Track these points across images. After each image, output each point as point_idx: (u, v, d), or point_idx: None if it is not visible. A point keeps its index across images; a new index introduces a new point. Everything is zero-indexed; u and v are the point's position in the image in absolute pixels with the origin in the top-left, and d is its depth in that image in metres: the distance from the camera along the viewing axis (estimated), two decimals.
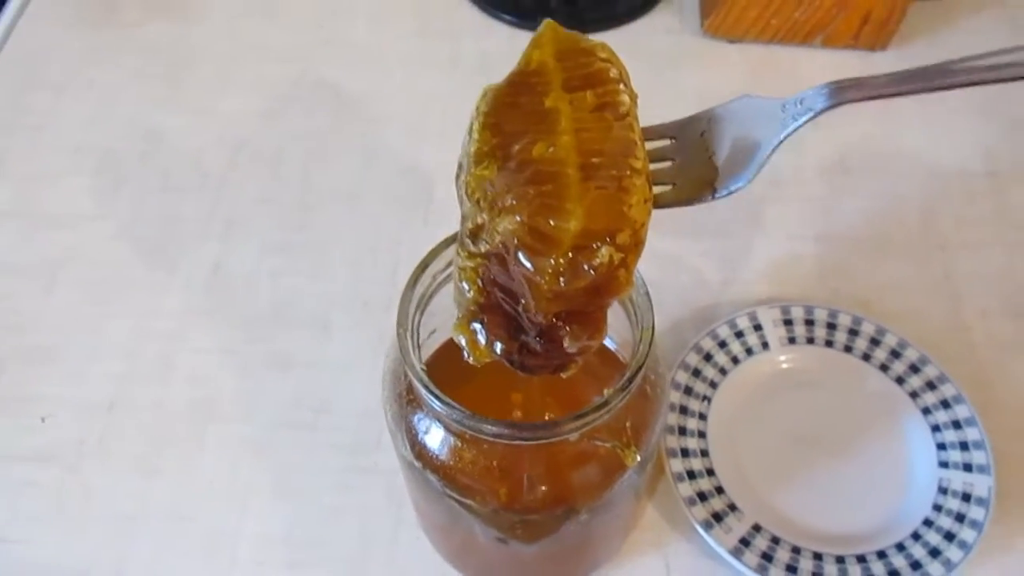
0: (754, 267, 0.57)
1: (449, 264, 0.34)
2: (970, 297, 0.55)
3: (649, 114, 0.31)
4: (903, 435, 0.49)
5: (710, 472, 0.47)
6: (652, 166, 0.28)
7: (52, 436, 0.50)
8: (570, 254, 0.25)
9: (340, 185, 0.61)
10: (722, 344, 0.51)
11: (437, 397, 0.31)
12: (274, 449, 0.50)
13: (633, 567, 0.46)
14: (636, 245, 0.26)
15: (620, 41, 0.37)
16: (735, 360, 0.51)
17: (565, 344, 0.27)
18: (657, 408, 0.36)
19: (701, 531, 0.44)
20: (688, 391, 0.49)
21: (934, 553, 0.44)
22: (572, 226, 0.25)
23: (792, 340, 0.51)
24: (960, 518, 0.45)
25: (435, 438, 0.34)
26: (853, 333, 0.51)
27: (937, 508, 0.46)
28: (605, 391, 0.31)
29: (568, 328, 0.27)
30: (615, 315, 0.32)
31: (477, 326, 0.29)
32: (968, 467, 0.47)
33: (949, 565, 0.43)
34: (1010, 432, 0.49)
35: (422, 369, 0.31)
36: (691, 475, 0.46)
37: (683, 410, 0.48)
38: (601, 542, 0.42)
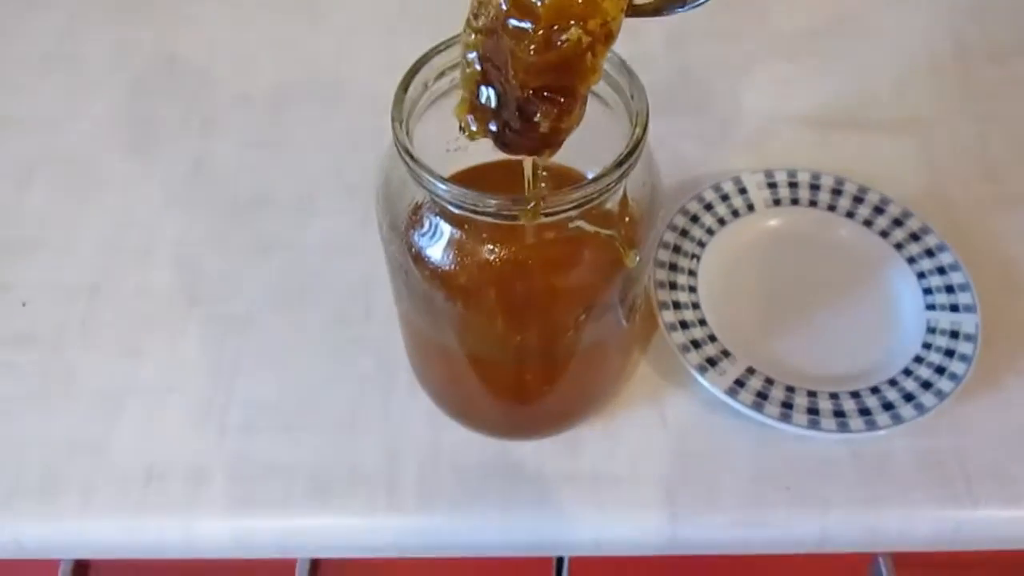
0: (732, 143, 0.57)
1: (439, 72, 0.35)
2: (946, 163, 0.56)
3: None
4: (890, 282, 0.49)
5: (702, 322, 0.47)
6: None
7: (32, 320, 0.49)
8: (544, 29, 0.28)
9: (317, 84, 0.60)
10: (708, 207, 0.51)
11: (438, 177, 0.30)
12: (260, 326, 0.49)
13: (629, 417, 0.46)
14: (606, 37, 0.28)
15: None
16: (722, 221, 0.51)
17: (537, 119, 0.30)
18: (652, 214, 0.36)
19: (696, 374, 0.44)
20: (676, 249, 0.49)
21: (926, 385, 0.44)
22: (548, 0, 0.27)
23: (777, 202, 0.52)
24: (949, 353, 0.45)
25: (437, 247, 0.34)
26: (836, 193, 0.52)
27: (927, 346, 0.46)
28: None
29: (541, 106, 0.29)
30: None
31: (470, 117, 0.30)
32: (955, 307, 0.47)
33: (941, 395, 0.44)
34: (993, 281, 0.49)
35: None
36: (683, 325, 0.46)
37: (672, 267, 0.49)
38: (597, 368, 0.41)
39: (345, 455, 0.45)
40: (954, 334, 0.46)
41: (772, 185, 0.52)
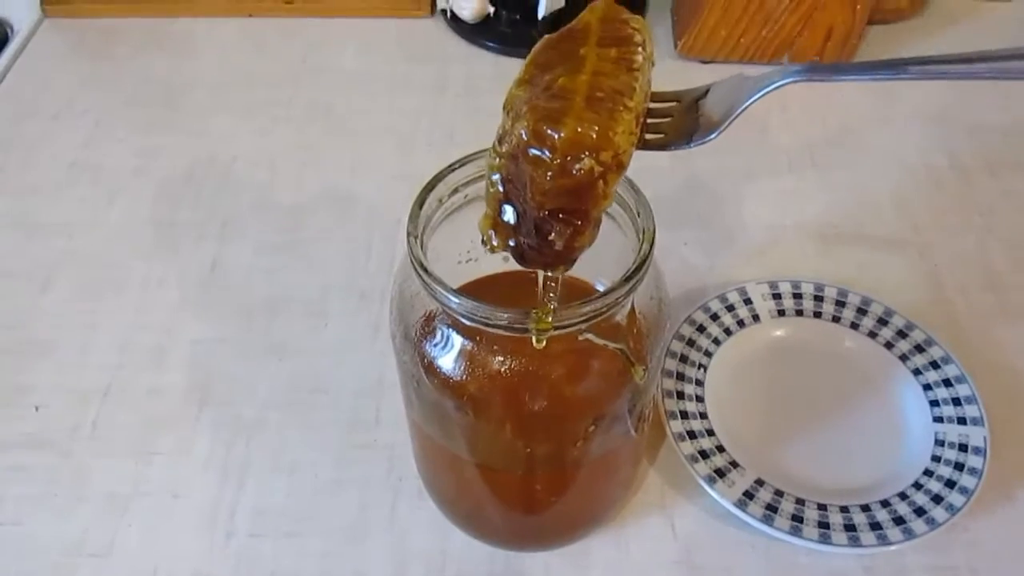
0: (737, 253, 0.58)
1: (453, 188, 0.36)
2: (948, 273, 0.57)
3: None
4: (897, 393, 0.49)
5: (710, 432, 0.47)
6: (653, 120, 0.34)
7: (45, 423, 0.49)
8: (560, 159, 0.30)
9: (333, 189, 0.62)
10: (714, 317, 0.52)
11: (450, 290, 0.31)
12: (270, 429, 0.49)
13: (639, 528, 0.45)
14: (617, 167, 0.31)
15: None
16: (727, 331, 0.52)
17: (552, 237, 0.31)
18: (659, 328, 0.37)
19: (705, 486, 0.44)
20: (684, 359, 0.50)
21: (936, 499, 0.44)
22: (564, 134, 0.30)
23: (782, 312, 0.53)
24: (959, 467, 0.45)
25: (448, 358, 0.34)
26: (840, 304, 0.53)
27: (936, 459, 0.46)
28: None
29: (556, 226, 0.31)
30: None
31: (492, 232, 0.33)
32: (962, 420, 0.47)
33: (952, 510, 0.43)
34: (999, 393, 0.49)
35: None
36: (691, 435, 0.46)
37: (680, 376, 0.49)
38: (607, 478, 0.41)
39: (351, 563, 0.44)
40: (963, 447, 0.46)
41: (776, 296, 0.53)
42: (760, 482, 0.45)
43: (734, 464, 0.46)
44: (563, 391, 0.35)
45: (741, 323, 0.52)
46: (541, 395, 0.35)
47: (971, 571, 0.44)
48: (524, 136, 0.30)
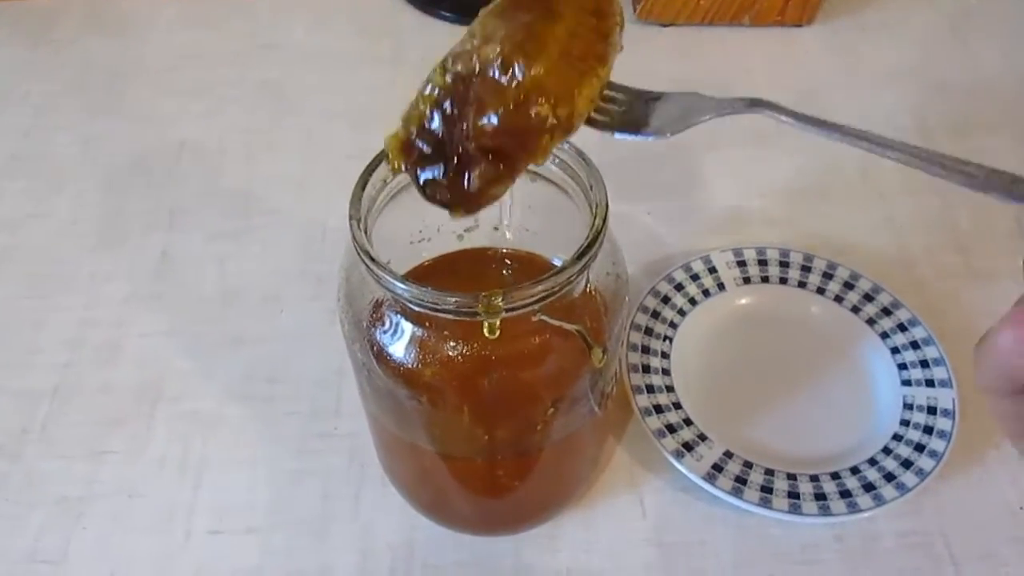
0: (702, 222, 0.57)
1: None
2: (914, 236, 0.56)
3: None
4: (864, 358, 0.49)
5: (676, 406, 0.46)
6: (603, 104, 0.32)
7: None
8: (522, 95, 0.28)
9: (286, 172, 0.60)
10: (679, 287, 0.51)
11: (395, 276, 0.30)
12: (227, 423, 0.48)
13: (608, 507, 0.44)
14: (567, 129, 0.30)
15: None
16: (693, 301, 0.51)
17: (473, 175, 0.30)
18: (618, 305, 0.35)
19: (673, 460, 0.43)
20: (649, 332, 0.49)
21: (906, 464, 0.44)
22: (534, 72, 0.28)
23: (747, 280, 0.52)
24: (928, 430, 0.45)
25: (399, 345, 0.33)
26: (806, 269, 0.52)
27: (905, 423, 0.46)
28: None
29: (482, 164, 0.30)
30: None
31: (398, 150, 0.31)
32: (931, 383, 0.47)
33: (922, 474, 0.43)
34: (967, 355, 0.48)
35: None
36: (658, 409, 0.46)
37: (645, 349, 0.48)
38: (572, 459, 0.40)
39: (315, 556, 0.43)
40: (931, 410, 0.46)
41: (741, 263, 0.52)
42: (729, 454, 0.44)
43: (702, 437, 0.45)
44: (520, 375, 0.34)
45: (706, 292, 0.51)
46: (497, 380, 0.34)
47: (943, 535, 0.43)
48: (492, 59, 0.29)
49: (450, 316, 0.31)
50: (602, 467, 0.45)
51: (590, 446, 0.42)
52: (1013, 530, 0.44)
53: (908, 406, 0.46)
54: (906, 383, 0.47)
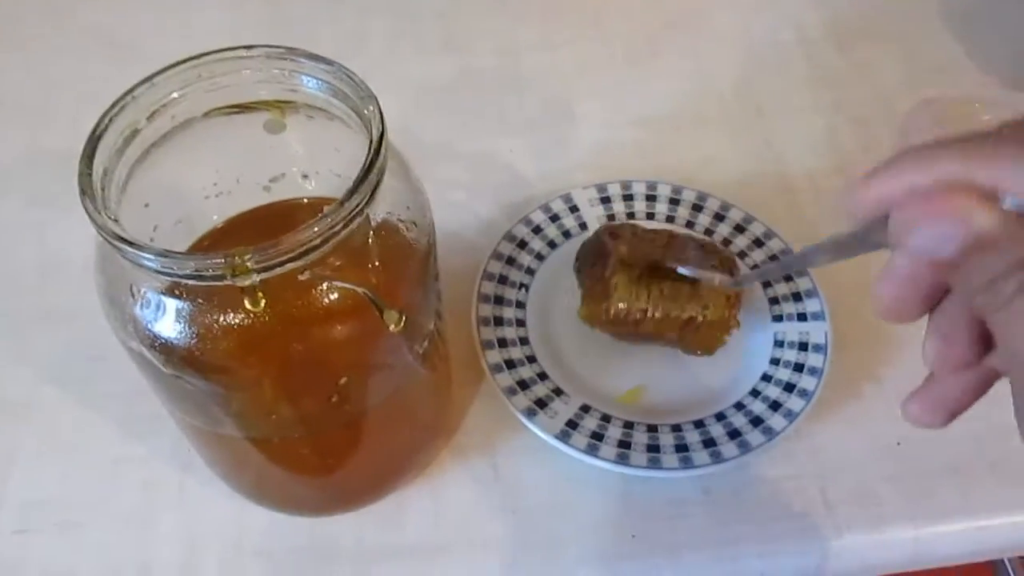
0: (570, 157, 0.53)
1: (151, 111, 0.30)
2: (794, 159, 0.53)
3: None
4: None
5: (531, 359, 0.42)
6: None
7: None
8: None
9: None
10: (536, 230, 0.47)
11: (142, 248, 0.25)
12: (42, 408, 0.43)
13: (458, 474, 0.41)
14: None
15: None
16: (552, 244, 0.47)
17: None
18: (416, 259, 0.31)
19: (524, 419, 0.40)
20: (503, 280, 0.45)
21: (774, 406, 0.41)
22: None
23: (611, 217, 0.48)
24: (799, 368, 0.42)
25: (164, 324, 0.28)
26: (674, 203, 0.48)
27: (775, 362, 0.42)
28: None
29: None
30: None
31: None
32: (803, 316, 0.44)
33: (791, 416, 0.40)
34: (844, 285, 0.45)
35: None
36: (510, 364, 0.42)
37: (498, 300, 0.44)
38: (400, 429, 0.36)
39: (136, 551, 0.39)
40: (803, 346, 0.42)
41: (606, 200, 0.48)
42: (586, 408, 0.41)
43: (558, 392, 0.41)
44: (304, 346, 0.29)
45: (567, 234, 0.47)
46: (279, 353, 0.29)
47: (818, 478, 0.41)
48: None
49: (198, 282, 0.26)
50: (450, 431, 0.42)
51: (423, 410, 0.38)
52: (891, 467, 0.41)
53: (779, 343, 0.43)
54: (777, 318, 0.44)
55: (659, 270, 0.41)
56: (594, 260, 0.43)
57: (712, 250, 0.42)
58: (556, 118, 0.55)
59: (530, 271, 0.45)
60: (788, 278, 0.45)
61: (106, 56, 0.59)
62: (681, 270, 0.40)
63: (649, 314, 0.40)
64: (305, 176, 0.37)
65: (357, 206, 0.26)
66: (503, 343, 0.42)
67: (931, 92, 0.53)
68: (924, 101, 0.54)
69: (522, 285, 0.45)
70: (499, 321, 0.43)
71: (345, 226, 0.26)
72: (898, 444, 0.42)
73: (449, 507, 0.40)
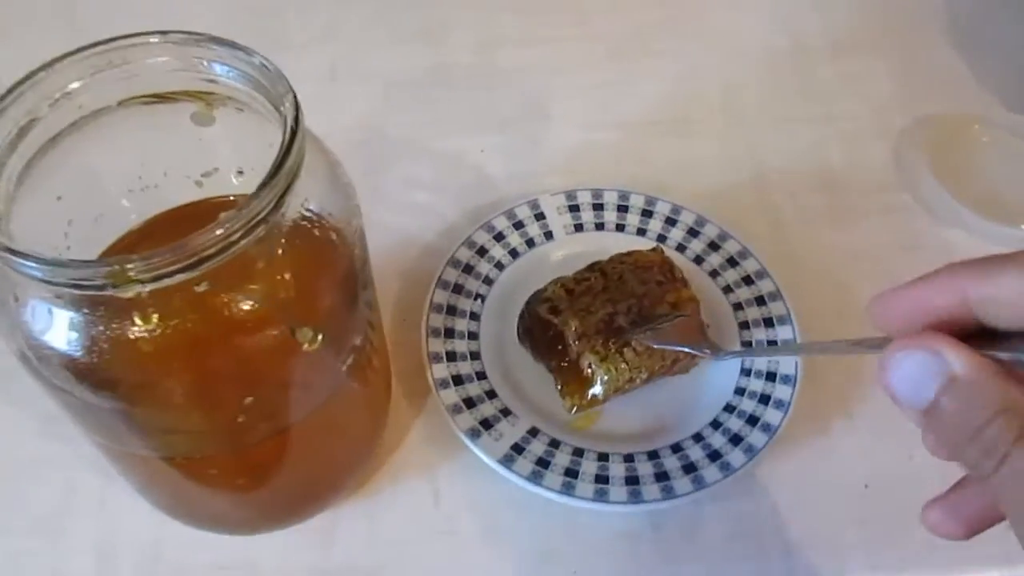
0: (543, 159, 0.51)
1: (53, 99, 0.27)
2: (777, 173, 0.50)
3: None
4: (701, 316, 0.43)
5: (480, 375, 0.40)
6: None
7: None
8: None
9: None
10: (499, 237, 0.44)
11: (10, 251, 0.23)
12: None
13: (396, 495, 0.38)
14: None
15: None
16: (514, 253, 0.44)
17: None
18: (337, 269, 0.29)
19: (466, 440, 0.37)
20: (458, 290, 0.42)
21: (735, 440, 0.38)
22: None
23: (579, 227, 0.45)
24: (765, 399, 0.39)
25: (56, 335, 0.26)
26: (647, 215, 0.45)
27: (740, 392, 0.40)
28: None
29: None
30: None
31: None
32: (773, 343, 0.41)
33: (751, 451, 0.37)
34: (821, 309, 0.43)
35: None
36: (457, 380, 0.39)
37: (451, 310, 0.42)
38: (330, 446, 0.34)
39: (47, 561, 0.37)
40: (771, 376, 0.40)
41: (574, 208, 0.45)
42: (534, 431, 0.38)
43: (505, 412, 0.39)
44: (203, 362, 0.27)
45: (531, 243, 0.45)
46: (175, 370, 0.27)
47: (774, 520, 0.38)
48: None
49: (80, 292, 0.24)
50: (389, 448, 0.39)
51: (354, 426, 0.36)
52: (857, 511, 0.38)
53: (746, 371, 0.40)
54: (747, 344, 0.41)
55: (618, 328, 0.39)
56: (548, 344, 0.39)
57: (657, 296, 0.40)
58: (531, 118, 0.52)
59: (488, 280, 0.43)
60: (761, 301, 0.42)
61: (67, 39, 0.57)
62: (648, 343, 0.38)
63: (636, 380, 0.38)
64: (240, 172, 0.34)
65: (259, 213, 0.24)
66: (452, 356, 0.40)
67: (927, 110, 0.51)
68: (920, 119, 0.51)
69: (478, 295, 0.42)
70: (450, 333, 0.41)
71: (245, 235, 0.24)
72: (866, 487, 0.39)
73: (384, 528, 0.38)
